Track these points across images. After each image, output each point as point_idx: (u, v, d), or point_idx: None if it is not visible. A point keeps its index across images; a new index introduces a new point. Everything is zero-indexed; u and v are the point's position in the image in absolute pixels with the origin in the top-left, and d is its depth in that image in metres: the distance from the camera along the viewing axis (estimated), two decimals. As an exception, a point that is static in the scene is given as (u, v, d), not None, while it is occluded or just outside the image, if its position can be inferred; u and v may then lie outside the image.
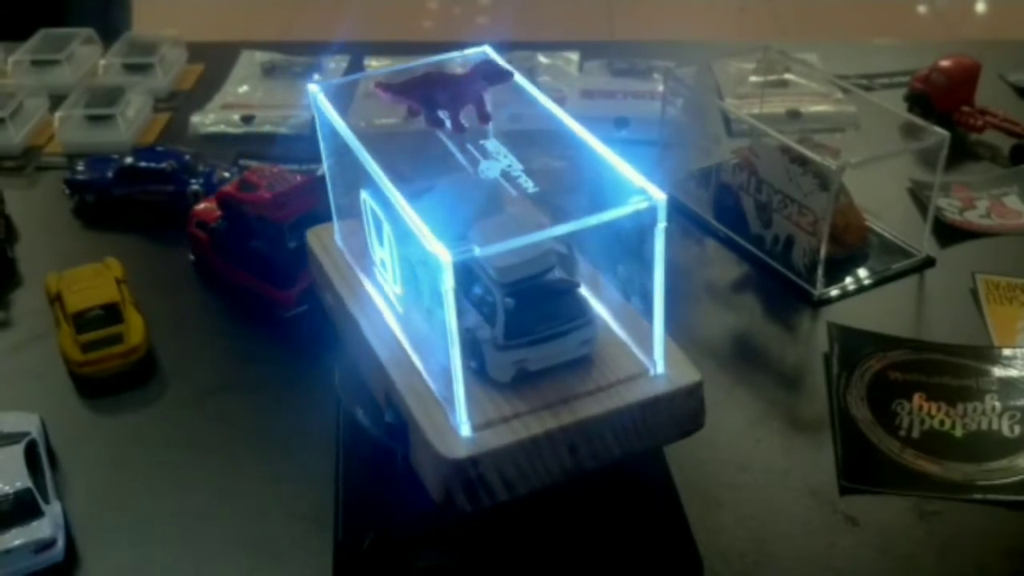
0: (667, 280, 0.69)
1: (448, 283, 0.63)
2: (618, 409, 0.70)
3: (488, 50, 0.84)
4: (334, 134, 0.79)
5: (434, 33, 3.46)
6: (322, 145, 0.83)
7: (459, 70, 0.82)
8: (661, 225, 0.66)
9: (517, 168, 0.73)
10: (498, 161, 0.74)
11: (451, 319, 0.65)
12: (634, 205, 0.65)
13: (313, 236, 0.89)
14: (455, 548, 0.78)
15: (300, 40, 1.76)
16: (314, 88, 0.81)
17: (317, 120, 0.82)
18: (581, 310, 0.72)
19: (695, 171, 1.26)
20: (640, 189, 0.66)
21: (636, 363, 0.73)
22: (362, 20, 3.37)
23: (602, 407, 0.70)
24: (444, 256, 0.62)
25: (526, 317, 0.70)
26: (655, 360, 0.72)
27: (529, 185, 0.71)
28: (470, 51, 0.85)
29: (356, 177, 0.79)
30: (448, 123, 0.77)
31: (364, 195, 0.79)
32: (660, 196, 0.65)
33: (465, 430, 0.68)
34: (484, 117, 0.78)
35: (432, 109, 0.78)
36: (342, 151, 0.78)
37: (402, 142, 0.84)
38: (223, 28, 2.29)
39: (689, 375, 0.72)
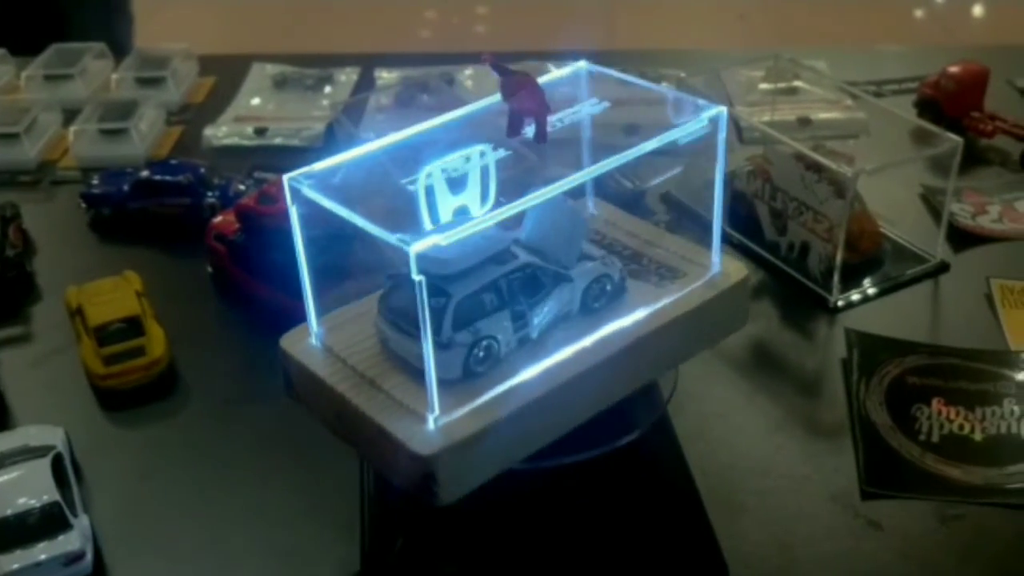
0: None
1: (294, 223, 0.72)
2: (366, 419, 0.72)
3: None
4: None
5: (433, 44, 3.48)
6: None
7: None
8: (417, 277, 0.65)
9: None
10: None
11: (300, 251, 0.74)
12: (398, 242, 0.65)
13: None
14: (482, 554, 0.79)
15: (310, 52, 1.76)
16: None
17: None
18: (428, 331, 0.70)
19: (708, 179, 1.26)
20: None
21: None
22: (366, 32, 3.39)
23: (358, 403, 0.72)
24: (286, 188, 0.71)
25: (394, 298, 0.75)
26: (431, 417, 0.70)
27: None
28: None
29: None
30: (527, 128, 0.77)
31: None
32: (415, 249, 0.63)
33: (313, 338, 0.78)
34: (539, 137, 0.76)
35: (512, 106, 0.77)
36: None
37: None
38: (227, 42, 2.29)
39: (422, 448, 0.68)
